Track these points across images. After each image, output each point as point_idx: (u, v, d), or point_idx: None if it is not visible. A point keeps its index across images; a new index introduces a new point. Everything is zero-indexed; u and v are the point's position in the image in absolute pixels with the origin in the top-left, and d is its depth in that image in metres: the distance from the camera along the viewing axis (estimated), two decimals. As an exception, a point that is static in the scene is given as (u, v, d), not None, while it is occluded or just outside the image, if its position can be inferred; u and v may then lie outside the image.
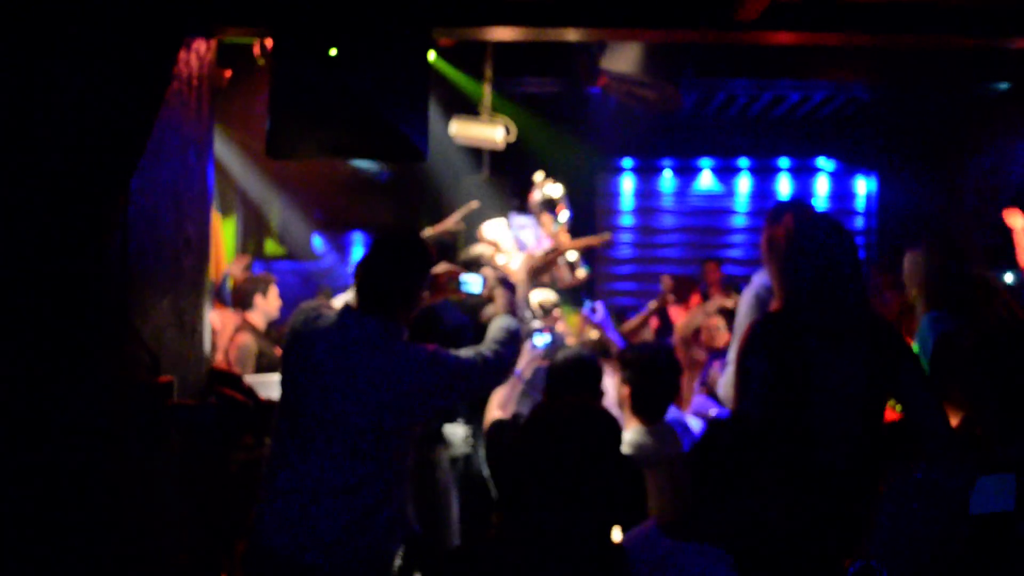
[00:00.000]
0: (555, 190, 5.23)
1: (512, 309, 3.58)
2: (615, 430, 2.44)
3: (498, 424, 3.67)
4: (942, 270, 4.18)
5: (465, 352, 3.19)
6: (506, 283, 3.64)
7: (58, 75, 2.88)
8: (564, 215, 6.03)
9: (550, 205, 5.90)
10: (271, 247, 9.54)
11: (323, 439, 3.00)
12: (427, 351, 3.08)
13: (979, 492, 2.06)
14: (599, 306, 5.01)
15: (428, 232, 4.05)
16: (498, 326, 3.42)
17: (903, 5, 4.36)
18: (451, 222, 4.17)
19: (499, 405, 3.79)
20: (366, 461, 3.01)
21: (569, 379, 3.63)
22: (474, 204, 4.27)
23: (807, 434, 3.07)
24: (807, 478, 3.01)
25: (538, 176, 5.90)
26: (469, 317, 4.22)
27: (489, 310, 4.08)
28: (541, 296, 5.06)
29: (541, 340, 4.14)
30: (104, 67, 3.13)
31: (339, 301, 3.53)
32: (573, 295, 7.47)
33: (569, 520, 2.29)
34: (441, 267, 3.65)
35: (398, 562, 3.19)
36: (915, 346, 3.90)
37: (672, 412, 3.96)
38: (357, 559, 3.00)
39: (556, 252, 5.58)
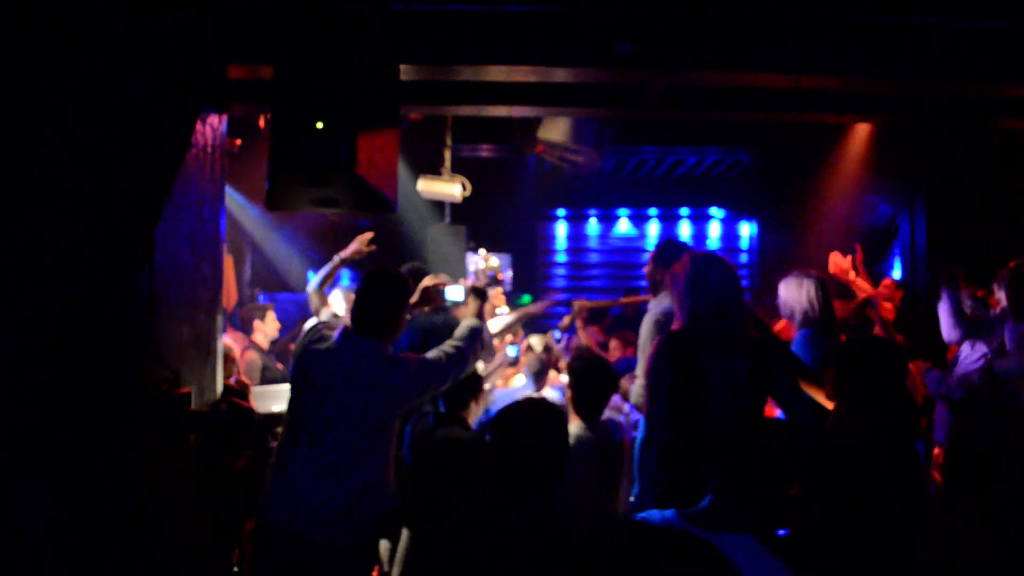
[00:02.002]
0: (495, 261, 4.94)
1: (480, 313, 3.58)
2: (563, 420, 2.48)
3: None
4: (810, 297, 4.12)
5: (432, 354, 3.26)
6: (477, 292, 3.65)
7: (96, 144, 2.84)
8: (506, 279, 6.01)
9: (494, 279, 5.84)
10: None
11: (324, 431, 3.03)
12: (405, 361, 3.13)
13: None
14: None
15: (339, 257, 4.07)
16: (464, 326, 3.49)
17: (773, 89, 4.45)
18: (354, 248, 4.16)
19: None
20: (359, 450, 3.04)
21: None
22: (369, 234, 4.24)
23: (706, 426, 3.09)
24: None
25: (481, 252, 5.84)
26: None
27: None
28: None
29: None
30: (134, 136, 3.09)
31: (325, 315, 3.56)
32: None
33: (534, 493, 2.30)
34: (428, 280, 3.67)
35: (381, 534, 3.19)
36: None
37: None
38: (348, 532, 2.99)
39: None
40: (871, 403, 2.80)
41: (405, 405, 3.17)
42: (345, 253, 4.07)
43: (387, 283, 3.22)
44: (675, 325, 3.29)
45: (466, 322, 3.51)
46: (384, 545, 4.01)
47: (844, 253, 4.78)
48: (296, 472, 3.01)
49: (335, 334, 3.16)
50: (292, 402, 3.16)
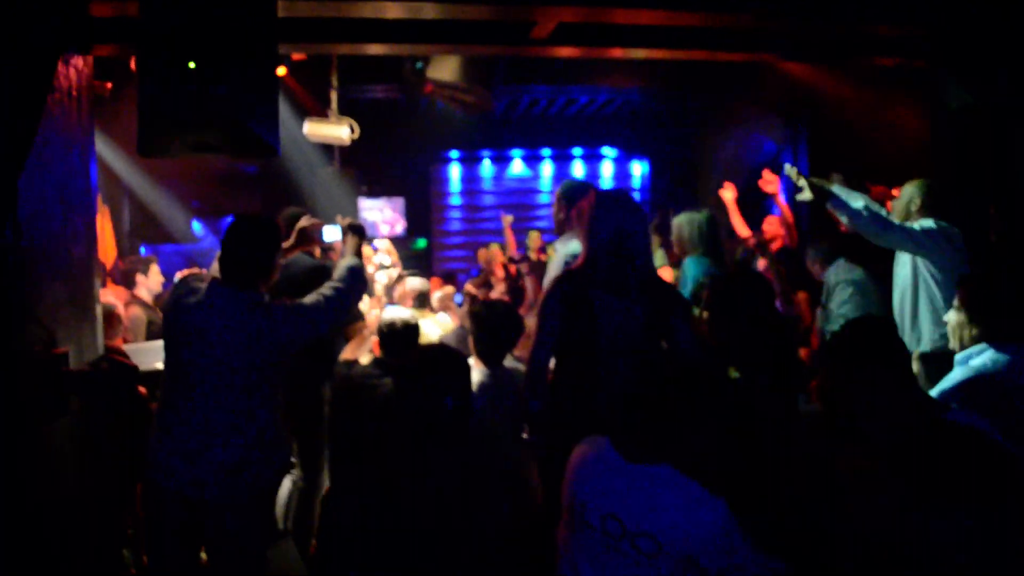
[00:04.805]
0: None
1: (358, 251, 3.46)
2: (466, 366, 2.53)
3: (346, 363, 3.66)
4: (699, 228, 4.42)
5: (310, 297, 3.10)
6: (354, 228, 3.52)
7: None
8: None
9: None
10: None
11: (205, 389, 2.88)
12: (280, 308, 2.98)
13: None
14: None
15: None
16: (342, 266, 3.31)
17: (666, 27, 4.47)
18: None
19: (352, 351, 3.74)
20: (243, 405, 2.90)
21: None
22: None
23: (596, 362, 3.10)
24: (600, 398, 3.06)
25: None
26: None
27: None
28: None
29: None
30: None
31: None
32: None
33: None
34: (304, 221, 3.53)
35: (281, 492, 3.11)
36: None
37: None
38: (240, 489, 2.89)
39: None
40: (742, 333, 2.94)
41: (286, 353, 3.02)
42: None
43: (253, 228, 3.05)
44: (577, 262, 3.29)
45: (344, 261, 3.36)
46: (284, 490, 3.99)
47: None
48: (179, 432, 2.88)
49: (204, 286, 3.00)
50: (168, 361, 3.00)
